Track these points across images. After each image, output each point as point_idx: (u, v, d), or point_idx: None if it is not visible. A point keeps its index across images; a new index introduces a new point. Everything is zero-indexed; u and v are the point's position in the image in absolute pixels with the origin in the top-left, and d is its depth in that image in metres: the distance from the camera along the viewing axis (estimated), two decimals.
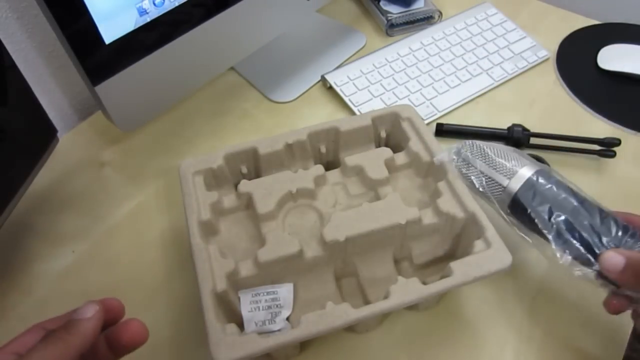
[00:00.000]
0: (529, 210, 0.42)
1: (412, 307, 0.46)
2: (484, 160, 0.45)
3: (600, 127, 0.61)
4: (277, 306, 0.42)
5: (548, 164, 0.55)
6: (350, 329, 0.45)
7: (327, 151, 0.51)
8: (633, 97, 0.64)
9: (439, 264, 0.45)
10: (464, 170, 0.45)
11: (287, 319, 0.42)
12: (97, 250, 0.52)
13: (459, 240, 0.45)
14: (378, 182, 0.47)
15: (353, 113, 0.63)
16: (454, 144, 0.47)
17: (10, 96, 0.43)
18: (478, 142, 0.46)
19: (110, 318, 0.33)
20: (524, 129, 0.58)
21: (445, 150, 0.47)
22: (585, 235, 0.40)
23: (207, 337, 0.36)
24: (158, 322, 0.46)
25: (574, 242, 0.40)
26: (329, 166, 0.50)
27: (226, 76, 0.68)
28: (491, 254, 0.40)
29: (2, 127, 0.43)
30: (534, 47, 0.69)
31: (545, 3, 0.77)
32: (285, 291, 0.43)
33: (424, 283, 0.40)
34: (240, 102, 0.66)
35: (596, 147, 0.57)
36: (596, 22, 0.73)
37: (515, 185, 0.43)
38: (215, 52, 0.56)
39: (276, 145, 0.48)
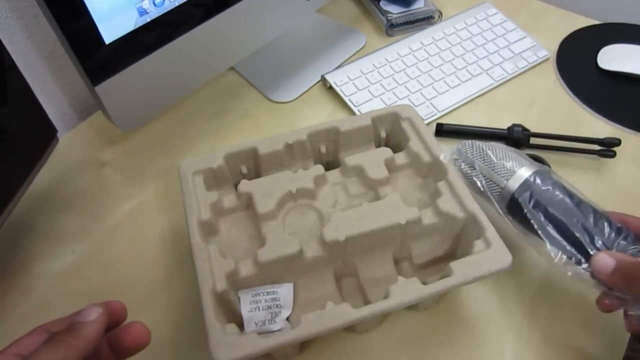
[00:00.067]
0: (525, 211, 0.43)
1: (412, 307, 0.46)
2: (483, 161, 0.46)
3: (600, 127, 0.61)
4: (277, 306, 0.42)
5: (548, 164, 0.55)
6: (350, 329, 0.45)
7: (327, 151, 0.51)
8: (633, 97, 0.64)
9: (439, 264, 0.45)
10: (464, 170, 0.46)
11: (287, 319, 0.42)
12: (97, 250, 0.52)
13: (459, 240, 0.45)
14: (378, 182, 0.47)
15: (353, 113, 0.63)
16: (455, 145, 0.47)
17: (10, 96, 0.43)
18: (478, 143, 0.47)
19: (113, 321, 0.33)
20: (524, 129, 0.58)
21: (447, 151, 0.47)
22: (578, 236, 0.41)
23: (207, 337, 0.36)
24: (158, 322, 0.46)
25: (567, 243, 0.41)
26: (329, 166, 0.50)
27: (226, 76, 0.68)
28: (491, 254, 0.40)
29: (2, 127, 0.43)
30: (534, 47, 0.69)
31: (545, 3, 0.77)
32: (285, 291, 0.43)
33: (424, 283, 0.40)
34: (240, 102, 0.66)
35: (596, 147, 0.57)
36: (596, 22, 0.73)
37: (513, 185, 0.44)
38: (215, 52, 0.56)
39: (276, 145, 0.48)
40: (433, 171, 0.48)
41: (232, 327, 0.38)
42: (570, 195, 0.43)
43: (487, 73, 0.66)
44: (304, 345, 0.44)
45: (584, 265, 0.40)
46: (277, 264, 0.42)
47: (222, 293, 0.39)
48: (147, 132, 0.62)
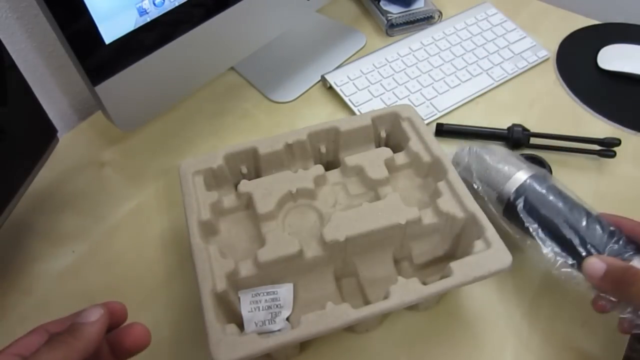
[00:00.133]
0: (520, 215, 0.44)
1: (412, 307, 0.46)
2: (479, 166, 0.47)
3: (600, 127, 0.61)
4: (277, 306, 0.42)
5: (549, 165, 0.55)
6: (350, 329, 0.45)
7: (327, 151, 0.51)
8: (633, 97, 0.64)
9: (439, 264, 0.45)
10: (462, 175, 0.46)
11: (287, 319, 0.42)
12: (97, 250, 0.52)
13: (459, 240, 0.45)
14: (378, 182, 0.47)
15: (353, 113, 0.63)
16: (454, 146, 0.48)
17: (10, 96, 0.43)
18: (474, 148, 0.49)
19: (113, 321, 0.33)
20: (524, 129, 0.58)
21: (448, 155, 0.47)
22: (570, 239, 0.42)
23: (207, 337, 0.36)
24: (158, 322, 0.46)
25: (560, 247, 0.42)
26: (329, 166, 0.50)
27: (226, 76, 0.68)
28: (491, 254, 0.40)
29: (2, 127, 0.43)
30: (534, 47, 0.69)
31: (545, 3, 0.77)
32: (285, 291, 0.43)
33: (424, 283, 0.40)
34: (240, 102, 0.66)
35: (596, 147, 0.57)
36: (596, 22, 0.73)
37: (509, 190, 0.45)
38: (215, 52, 0.56)
39: (276, 145, 0.48)
40: (433, 171, 0.48)
41: (232, 327, 0.38)
42: (565, 198, 0.44)
43: (487, 73, 0.66)
44: (304, 345, 0.44)
45: (577, 269, 0.41)
46: (277, 264, 0.42)
47: (222, 293, 0.39)
48: (147, 132, 0.62)
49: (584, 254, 0.41)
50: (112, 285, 0.49)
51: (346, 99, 0.64)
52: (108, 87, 0.46)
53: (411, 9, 0.73)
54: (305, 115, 0.64)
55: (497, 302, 0.48)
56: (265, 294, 0.42)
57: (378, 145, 0.52)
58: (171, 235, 0.53)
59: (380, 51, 0.69)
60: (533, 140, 0.58)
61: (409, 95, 0.64)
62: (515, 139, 0.58)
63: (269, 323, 0.41)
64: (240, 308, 0.42)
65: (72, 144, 0.61)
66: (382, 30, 0.73)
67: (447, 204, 0.44)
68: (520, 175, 0.45)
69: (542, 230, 0.43)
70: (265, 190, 0.46)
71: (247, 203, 0.47)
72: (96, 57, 0.44)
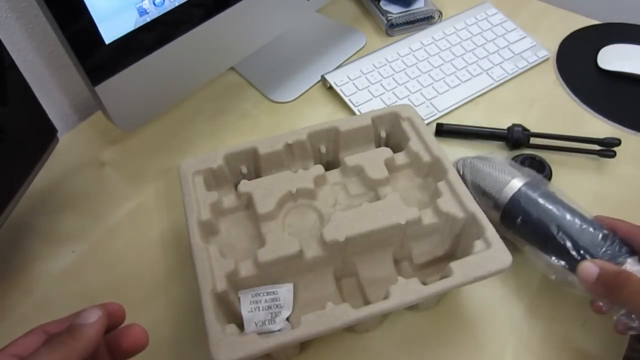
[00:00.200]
0: (517, 222, 0.45)
1: (412, 308, 0.46)
2: (475, 176, 0.48)
3: (600, 127, 0.61)
4: (277, 306, 0.42)
5: (548, 165, 0.55)
6: (350, 329, 0.45)
7: (327, 151, 0.51)
8: (633, 97, 0.64)
9: (439, 264, 0.45)
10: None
11: (287, 319, 0.42)
12: (97, 250, 0.52)
13: (459, 240, 0.45)
14: (378, 182, 0.47)
15: (353, 113, 0.63)
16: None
17: (10, 96, 0.43)
18: (469, 159, 0.50)
19: (111, 323, 0.33)
20: (524, 129, 0.58)
21: None
22: (565, 244, 0.42)
23: (207, 337, 0.36)
24: (158, 322, 0.46)
25: (555, 252, 0.43)
26: (329, 166, 0.50)
27: (226, 76, 0.68)
28: (491, 254, 0.40)
29: (2, 127, 0.42)
30: (534, 47, 0.69)
31: (545, 3, 0.77)
32: (285, 291, 0.43)
33: (424, 283, 0.40)
34: (240, 102, 0.66)
35: (596, 147, 0.57)
36: (596, 22, 0.73)
37: (504, 199, 0.46)
38: (215, 52, 0.56)
39: (276, 145, 0.48)
40: (433, 171, 0.48)
41: (232, 328, 0.38)
42: (559, 204, 0.45)
43: (487, 73, 0.66)
44: (304, 345, 0.44)
45: (573, 273, 0.42)
46: (277, 264, 0.42)
47: (222, 293, 0.39)
48: (147, 132, 0.62)
49: (578, 258, 0.42)
50: (112, 285, 0.49)
51: (346, 99, 0.64)
52: (108, 87, 0.46)
53: (411, 9, 0.73)
54: (305, 115, 0.64)
55: (497, 302, 0.48)
56: (265, 294, 0.42)
57: (378, 145, 0.52)
58: (171, 235, 0.53)
59: (380, 51, 0.69)
60: (533, 140, 0.58)
61: (409, 95, 0.64)
62: (515, 139, 0.58)
63: (269, 323, 0.41)
64: (240, 308, 0.42)
65: (72, 144, 0.61)
66: (382, 30, 0.73)
67: (447, 204, 0.44)
68: (515, 183, 0.46)
69: (538, 236, 0.44)
70: (265, 190, 0.46)
71: (247, 203, 0.47)
72: (96, 57, 0.44)
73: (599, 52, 0.68)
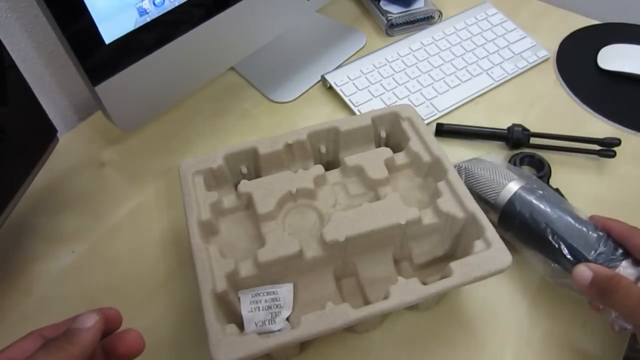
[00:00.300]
0: (514, 225, 0.46)
1: (412, 307, 0.46)
2: (471, 181, 0.49)
3: (600, 127, 0.61)
4: (277, 306, 0.42)
5: (548, 165, 0.55)
6: (350, 329, 0.45)
7: (327, 151, 0.51)
8: (633, 97, 0.64)
9: (439, 264, 0.45)
10: None
11: (287, 319, 0.42)
12: (97, 250, 0.52)
13: (459, 240, 0.45)
14: (378, 182, 0.47)
15: (353, 113, 0.63)
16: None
17: (10, 96, 0.43)
18: (464, 164, 0.50)
19: (108, 327, 0.33)
20: (524, 129, 0.58)
21: None
22: (560, 247, 0.43)
23: (207, 337, 0.36)
24: (158, 322, 0.46)
25: (551, 255, 0.44)
26: (329, 166, 0.50)
27: (226, 76, 0.68)
28: (491, 254, 0.40)
29: (2, 127, 0.43)
30: (534, 47, 0.69)
31: (545, 3, 0.77)
32: (285, 291, 0.43)
33: (424, 283, 0.40)
34: (240, 102, 0.66)
35: (596, 147, 0.57)
36: (596, 22, 0.73)
37: (500, 202, 0.47)
38: (215, 52, 0.56)
39: (276, 145, 0.48)
40: (433, 171, 0.48)
41: (232, 328, 0.38)
42: (555, 206, 0.45)
43: (487, 73, 0.66)
44: (304, 345, 0.44)
45: (569, 275, 0.42)
46: (277, 264, 0.42)
47: (222, 293, 0.39)
48: (147, 132, 0.62)
49: (573, 261, 0.42)
50: (112, 285, 0.49)
51: (346, 99, 0.64)
52: (108, 87, 0.46)
53: (411, 9, 0.73)
54: (305, 115, 0.64)
55: (497, 302, 0.48)
56: (265, 294, 0.42)
57: (378, 145, 0.52)
58: (171, 235, 0.53)
59: (380, 51, 0.69)
60: (533, 140, 0.58)
61: (409, 95, 0.64)
62: (515, 138, 0.58)
63: (269, 323, 0.41)
64: (240, 308, 0.42)
65: (72, 144, 0.61)
66: (382, 30, 0.73)
67: (447, 204, 0.44)
68: (511, 187, 0.47)
69: (534, 239, 0.45)
70: (265, 190, 0.46)
71: (247, 203, 0.47)
72: (96, 57, 0.44)
73: (599, 52, 0.68)
